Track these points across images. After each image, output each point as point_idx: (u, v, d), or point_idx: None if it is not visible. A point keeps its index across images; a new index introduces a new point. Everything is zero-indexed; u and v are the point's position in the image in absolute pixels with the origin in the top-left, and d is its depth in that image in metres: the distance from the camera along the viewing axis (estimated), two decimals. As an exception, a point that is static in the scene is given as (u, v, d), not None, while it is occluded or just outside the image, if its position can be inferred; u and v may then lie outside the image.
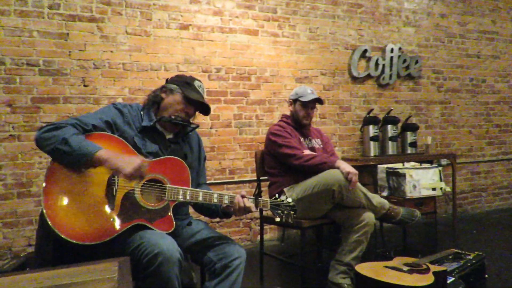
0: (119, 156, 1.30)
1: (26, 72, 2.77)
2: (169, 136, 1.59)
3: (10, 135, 2.73)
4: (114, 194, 1.34)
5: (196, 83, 1.60)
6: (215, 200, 1.47)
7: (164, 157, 1.49)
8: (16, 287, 0.84)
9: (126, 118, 1.50)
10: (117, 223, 1.31)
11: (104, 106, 1.56)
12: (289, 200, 1.58)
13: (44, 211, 1.23)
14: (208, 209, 1.65)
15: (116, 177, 1.35)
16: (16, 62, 2.74)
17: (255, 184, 3.36)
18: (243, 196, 1.47)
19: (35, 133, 1.35)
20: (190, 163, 1.61)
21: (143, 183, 1.41)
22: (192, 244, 1.53)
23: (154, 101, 1.57)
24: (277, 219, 1.55)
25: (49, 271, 0.94)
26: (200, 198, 1.45)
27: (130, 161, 1.28)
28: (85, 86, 2.92)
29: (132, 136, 1.47)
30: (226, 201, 1.48)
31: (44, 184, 1.28)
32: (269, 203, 1.56)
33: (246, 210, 1.47)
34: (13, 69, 2.74)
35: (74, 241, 1.22)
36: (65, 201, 1.27)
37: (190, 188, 1.47)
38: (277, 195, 1.63)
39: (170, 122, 1.53)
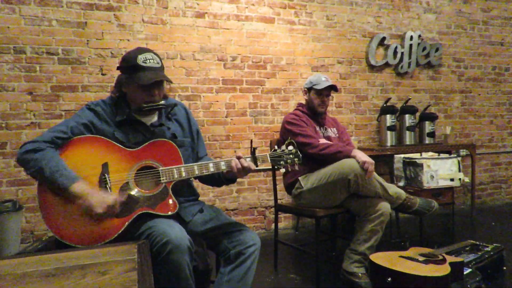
0: (92, 193, 1.27)
1: (46, 60, 2.82)
2: (151, 121, 1.54)
3: (31, 122, 2.81)
4: (109, 191, 1.34)
5: (140, 59, 1.43)
6: (212, 170, 1.45)
7: (148, 142, 1.46)
8: (41, 266, 0.88)
9: (101, 116, 1.47)
10: (120, 219, 1.32)
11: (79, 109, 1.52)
12: (290, 147, 1.52)
13: (46, 224, 1.26)
14: (211, 179, 1.62)
15: (106, 174, 1.35)
16: (36, 51, 2.80)
17: (270, 173, 3.37)
18: (239, 158, 1.44)
19: (18, 150, 1.35)
20: (182, 141, 1.58)
21: (136, 173, 1.40)
22: (206, 231, 1.53)
23: (121, 96, 1.52)
24: (282, 170, 1.51)
25: (72, 252, 0.97)
26: (196, 172, 1.43)
27: (102, 200, 1.26)
28: (103, 74, 2.96)
29: (112, 132, 1.45)
30: (223, 167, 1.46)
31: (38, 198, 1.30)
32: (268, 156, 1.51)
33: (246, 170, 1.44)
34: (34, 57, 2.79)
35: (83, 246, 1.25)
36: (62, 210, 1.29)
37: (183, 165, 1.45)
38: (276, 147, 1.56)
39: (142, 111, 1.48)
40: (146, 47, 1.52)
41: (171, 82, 1.54)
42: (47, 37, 2.82)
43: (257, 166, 1.48)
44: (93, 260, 0.91)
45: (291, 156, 1.51)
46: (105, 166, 1.37)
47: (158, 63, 1.47)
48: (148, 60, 1.44)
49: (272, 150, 1.54)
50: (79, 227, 1.28)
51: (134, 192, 1.38)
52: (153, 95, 1.46)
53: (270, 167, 2.63)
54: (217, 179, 1.59)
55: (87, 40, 2.91)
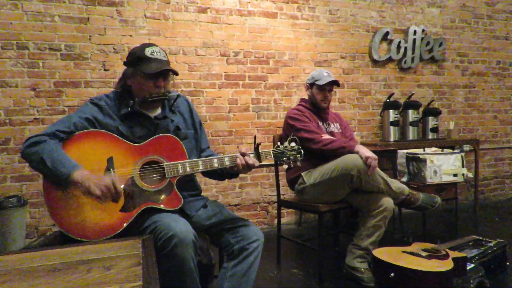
0: (89, 177, 1.27)
1: (49, 56, 2.82)
2: (155, 113, 1.55)
3: (35, 118, 2.81)
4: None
5: (148, 51, 1.46)
6: (216, 165, 1.46)
7: (153, 137, 1.46)
8: (46, 261, 0.88)
9: (105, 111, 1.47)
10: (126, 213, 1.33)
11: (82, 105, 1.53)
12: (293, 144, 1.55)
13: (52, 218, 1.26)
14: (214, 173, 1.63)
15: (111, 169, 1.35)
16: (39, 47, 2.80)
17: (273, 168, 3.37)
18: (243, 154, 1.46)
19: (21, 146, 1.35)
20: (185, 133, 1.58)
21: (140, 167, 1.41)
22: (210, 226, 1.54)
23: (125, 90, 1.53)
24: (285, 166, 1.54)
25: (77, 247, 0.98)
26: (201, 167, 1.44)
27: (99, 181, 1.26)
28: (105, 70, 2.96)
29: (116, 127, 1.45)
30: (227, 163, 1.47)
31: (44, 193, 1.30)
32: (272, 152, 1.53)
33: (250, 167, 1.46)
34: (36, 53, 2.80)
35: (90, 240, 1.26)
36: (68, 204, 1.29)
37: (188, 160, 1.46)
38: (278, 143, 1.58)
39: (147, 102, 1.49)
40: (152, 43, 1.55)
41: (177, 73, 1.52)
42: (50, 33, 2.81)
43: (260, 162, 1.50)
44: (98, 255, 0.92)
45: (293, 152, 1.54)
46: (110, 160, 1.37)
47: (164, 56, 1.51)
48: (155, 53, 1.48)
49: (275, 146, 1.56)
50: (84, 221, 1.29)
51: (139, 186, 1.38)
52: (158, 86, 1.48)
53: (273, 162, 2.63)
54: (220, 174, 1.61)
55: (90, 36, 2.91)
